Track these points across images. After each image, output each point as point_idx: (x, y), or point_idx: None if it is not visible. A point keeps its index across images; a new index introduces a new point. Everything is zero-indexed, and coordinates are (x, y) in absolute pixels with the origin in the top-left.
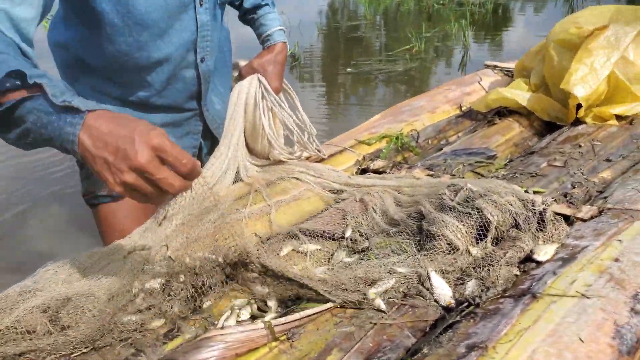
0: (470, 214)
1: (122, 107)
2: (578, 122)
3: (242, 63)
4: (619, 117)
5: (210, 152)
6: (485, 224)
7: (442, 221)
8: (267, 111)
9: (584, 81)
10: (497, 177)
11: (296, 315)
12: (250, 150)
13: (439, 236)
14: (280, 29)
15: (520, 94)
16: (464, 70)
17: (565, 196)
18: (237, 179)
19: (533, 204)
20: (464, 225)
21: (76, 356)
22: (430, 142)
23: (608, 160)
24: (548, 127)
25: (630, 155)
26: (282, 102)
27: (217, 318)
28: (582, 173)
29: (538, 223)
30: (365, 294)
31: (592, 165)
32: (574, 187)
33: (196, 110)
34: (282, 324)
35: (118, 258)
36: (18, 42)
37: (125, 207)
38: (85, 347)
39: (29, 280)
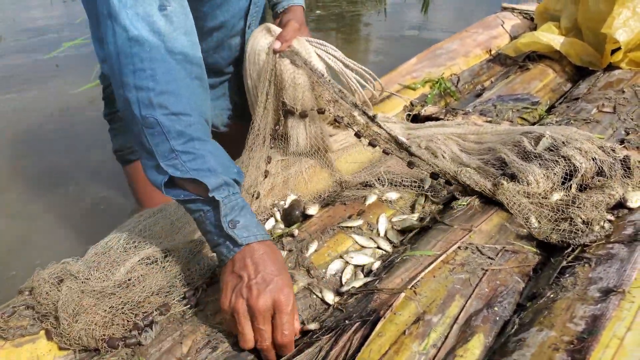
0: (557, 161)
1: None
2: (610, 67)
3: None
4: None
5: (243, 114)
6: (570, 172)
7: (530, 170)
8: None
9: (626, 25)
10: (552, 124)
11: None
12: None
13: (526, 184)
14: None
15: (554, 38)
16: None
17: (622, 142)
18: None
19: (614, 151)
20: (555, 174)
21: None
22: (467, 87)
23: None
24: (579, 73)
25: None
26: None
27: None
28: (632, 119)
29: (623, 170)
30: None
31: (639, 112)
32: (628, 134)
33: (234, 73)
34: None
35: None
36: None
37: None
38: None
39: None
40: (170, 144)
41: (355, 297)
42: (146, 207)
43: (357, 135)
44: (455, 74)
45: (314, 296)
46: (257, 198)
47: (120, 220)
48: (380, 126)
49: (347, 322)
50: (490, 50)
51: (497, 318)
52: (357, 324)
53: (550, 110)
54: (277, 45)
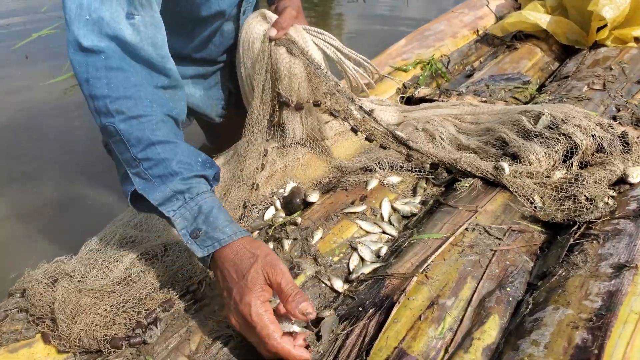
0: (557, 139)
1: None
2: (596, 45)
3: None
4: (636, 39)
5: (239, 104)
6: (571, 150)
7: (531, 149)
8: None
9: (612, 2)
10: (545, 102)
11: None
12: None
13: (528, 164)
14: None
15: (541, 17)
16: None
17: (614, 119)
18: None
19: (612, 127)
20: (556, 152)
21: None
22: (457, 67)
23: (639, 82)
24: (566, 51)
25: None
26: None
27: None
28: (622, 95)
29: (622, 146)
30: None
31: (627, 88)
32: (619, 110)
33: (227, 62)
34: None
35: None
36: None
37: None
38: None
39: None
40: (131, 152)
41: (366, 283)
42: None
43: (354, 130)
44: (445, 55)
45: (323, 285)
46: (255, 190)
47: (105, 217)
48: (377, 121)
49: (360, 309)
50: (477, 31)
51: (510, 298)
52: (371, 310)
53: (540, 89)
54: (273, 32)
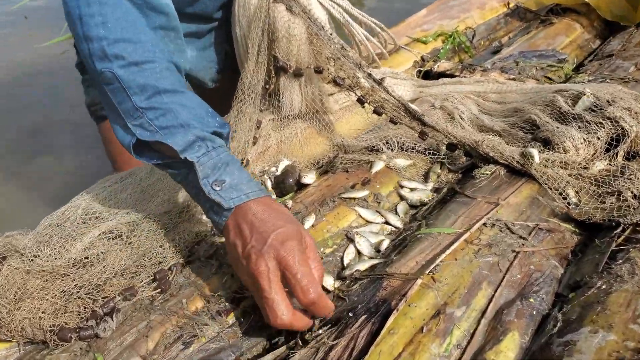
0: (601, 124)
1: None
2: None
3: None
4: None
5: (235, 67)
6: (617, 137)
7: (567, 134)
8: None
9: None
10: (584, 82)
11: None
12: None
13: (562, 151)
14: None
15: None
16: None
17: None
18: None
19: None
20: (598, 138)
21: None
22: (482, 42)
23: None
24: (609, 28)
25: None
26: None
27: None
28: None
29: None
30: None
31: None
32: None
33: (223, 19)
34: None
35: None
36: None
37: None
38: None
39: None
40: (133, 100)
41: (360, 282)
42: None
43: (360, 101)
44: (471, 28)
45: None
46: (245, 166)
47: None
48: (387, 92)
49: (350, 314)
50: (508, 3)
51: (534, 312)
52: (363, 317)
53: (578, 68)
54: None
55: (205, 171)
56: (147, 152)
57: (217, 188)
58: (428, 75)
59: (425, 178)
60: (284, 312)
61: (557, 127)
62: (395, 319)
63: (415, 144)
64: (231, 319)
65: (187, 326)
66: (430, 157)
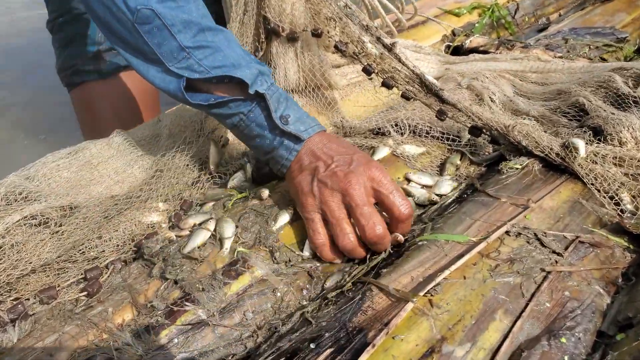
0: None
1: None
2: None
3: None
4: None
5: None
6: None
7: (626, 122)
8: None
9: None
10: None
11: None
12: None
13: (617, 144)
14: None
15: None
16: None
17: None
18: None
19: None
20: None
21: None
22: (527, 19)
23: None
24: None
25: None
26: None
27: None
28: None
29: None
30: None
31: None
32: None
33: None
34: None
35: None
36: None
37: (117, 88)
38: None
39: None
40: (178, 39)
41: (336, 301)
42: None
43: (366, 70)
44: (514, 1)
45: (277, 293)
46: (223, 146)
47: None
48: (400, 60)
49: (311, 345)
50: None
51: (566, 357)
52: (327, 351)
53: None
54: None
55: (274, 105)
56: (197, 94)
57: (285, 122)
58: (458, 52)
59: (441, 170)
60: (379, 227)
61: (612, 114)
62: (371, 357)
63: (430, 127)
64: (163, 337)
65: (103, 343)
66: (449, 145)
